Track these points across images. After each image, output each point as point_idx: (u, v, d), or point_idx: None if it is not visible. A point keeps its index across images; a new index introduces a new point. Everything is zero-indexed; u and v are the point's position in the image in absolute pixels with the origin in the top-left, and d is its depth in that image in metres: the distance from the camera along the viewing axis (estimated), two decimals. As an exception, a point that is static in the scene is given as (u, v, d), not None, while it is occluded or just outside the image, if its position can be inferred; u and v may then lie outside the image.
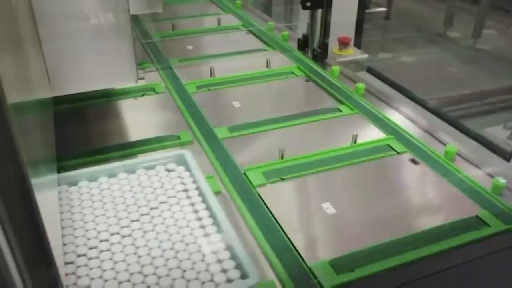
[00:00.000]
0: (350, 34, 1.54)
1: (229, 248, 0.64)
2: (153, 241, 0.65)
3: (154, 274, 0.61)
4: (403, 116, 1.08)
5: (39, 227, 0.46)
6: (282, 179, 0.86)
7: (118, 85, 1.08)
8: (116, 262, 0.62)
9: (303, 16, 1.40)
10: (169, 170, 0.79)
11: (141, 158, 0.88)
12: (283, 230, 0.74)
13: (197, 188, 0.75)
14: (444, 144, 0.96)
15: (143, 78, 1.02)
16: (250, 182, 0.84)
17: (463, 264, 0.70)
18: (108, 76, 0.93)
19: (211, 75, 1.25)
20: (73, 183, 0.76)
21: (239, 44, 1.49)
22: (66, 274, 0.60)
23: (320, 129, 1.03)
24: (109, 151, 0.93)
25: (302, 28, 1.47)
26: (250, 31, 1.59)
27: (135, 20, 1.63)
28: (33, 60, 0.75)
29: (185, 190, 0.75)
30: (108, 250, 0.64)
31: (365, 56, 1.47)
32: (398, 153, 0.93)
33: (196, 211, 0.70)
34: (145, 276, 0.61)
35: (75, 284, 0.60)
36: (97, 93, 1.13)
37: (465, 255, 0.71)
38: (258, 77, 1.26)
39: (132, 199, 0.72)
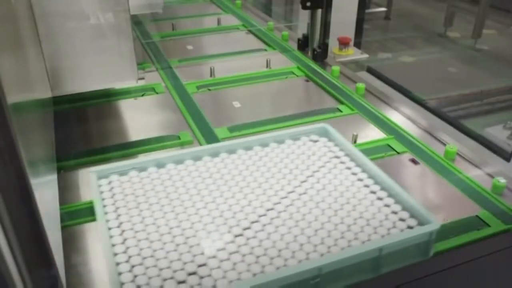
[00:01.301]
0: (350, 34, 1.54)
1: (399, 201, 0.71)
2: (321, 203, 0.72)
3: (333, 229, 0.67)
4: (403, 116, 1.08)
5: (39, 227, 0.46)
6: None
7: (118, 85, 1.08)
8: (297, 221, 0.69)
9: (303, 16, 1.40)
10: (313, 141, 0.87)
11: (283, 131, 0.92)
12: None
13: (347, 155, 0.83)
14: (444, 144, 0.96)
15: (143, 78, 1.02)
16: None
17: (463, 264, 0.70)
18: (108, 76, 0.93)
19: (211, 75, 1.25)
20: (232, 151, 0.85)
21: (239, 44, 1.49)
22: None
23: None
24: (109, 151, 0.93)
25: (302, 28, 1.47)
26: (250, 31, 1.59)
27: (135, 20, 1.63)
28: (33, 60, 0.75)
29: (336, 157, 0.83)
30: (283, 211, 0.71)
31: (365, 56, 1.47)
32: (398, 153, 0.93)
33: (354, 174, 0.78)
34: (324, 236, 0.66)
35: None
36: (97, 93, 1.13)
37: (465, 255, 0.71)
38: (258, 77, 1.26)
39: (288, 167, 0.80)
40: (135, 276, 0.60)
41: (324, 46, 1.34)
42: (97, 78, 0.92)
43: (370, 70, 1.43)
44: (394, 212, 0.70)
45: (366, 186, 0.76)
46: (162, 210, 0.71)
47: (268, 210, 0.71)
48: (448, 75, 2.16)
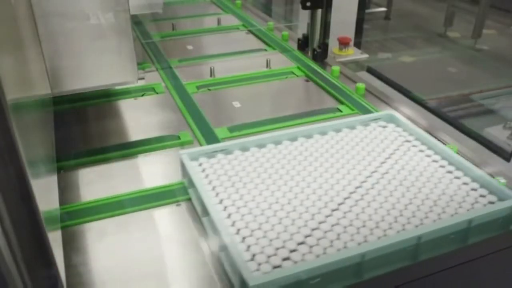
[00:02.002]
0: (350, 34, 1.54)
1: (475, 179, 0.77)
2: (404, 181, 0.77)
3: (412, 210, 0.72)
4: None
5: (39, 227, 0.46)
6: None
7: (119, 85, 1.08)
8: (386, 197, 0.75)
9: (303, 16, 1.40)
10: (382, 127, 0.93)
11: (353, 117, 0.98)
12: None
13: (417, 139, 0.88)
14: (444, 144, 0.96)
15: (143, 78, 1.02)
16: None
17: (463, 264, 0.70)
18: (108, 76, 0.93)
19: (211, 75, 1.25)
20: (309, 136, 0.91)
21: (239, 44, 1.49)
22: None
23: (320, 129, 1.03)
24: (109, 151, 0.93)
25: (302, 28, 1.47)
26: (250, 31, 1.59)
27: (135, 20, 1.63)
28: (33, 60, 0.75)
29: (407, 141, 0.89)
30: (361, 196, 0.75)
31: (365, 56, 1.47)
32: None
33: (428, 156, 0.84)
34: (414, 210, 0.72)
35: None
36: (97, 93, 1.13)
37: (465, 255, 0.71)
38: (258, 77, 1.26)
39: (365, 150, 0.86)
40: (248, 246, 0.65)
41: (324, 46, 1.34)
42: (97, 78, 0.92)
43: (370, 70, 1.42)
44: (474, 189, 0.76)
45: (442, 166, 0.82)
46: (257, 188, 0.76)
47: (356, 187, 0.77)
48: (448, 75, 2.16)
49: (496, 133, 1.08)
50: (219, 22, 1.63)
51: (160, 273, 0.67)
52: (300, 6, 1.30)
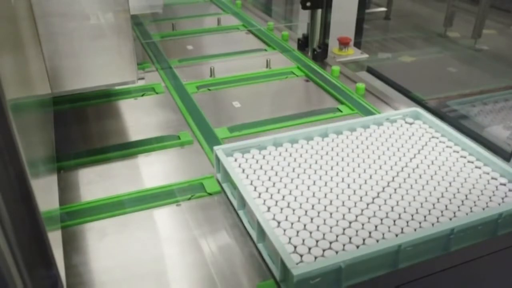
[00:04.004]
0: (350, 34, 1.54)
1: (504, 175, 0.80)
2: (435, 176, 0.80)
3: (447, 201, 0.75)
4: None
5: (39, 227, 0.46)
6: None
7: (118, 85, 1.08)
8: (418, 191, 0.77)
9: (303, 16, 1.40)
10: (409, 123, 0.96)
11: (378, 115, 1.00)
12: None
13: (444, 135, 0.92)
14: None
15: (143, 78, 1.02)
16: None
17: (463, 264, 0.70)
18: (108, 76, 0.93)
19: (211, 75, 1.25)
20: (338, 132, 0.93)
21: (239, 44, 1.49)
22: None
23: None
24: (109, 151, 0.93)
25: (302, 28, 1.47)
26: (250, 31, 1.59)
27: (135, 20, 1.63)
28: (33, 60, 0.75)
29: (434, 137, 0.91)
30: (395, 190, 0.78)
31: (365, 56, 1.47)
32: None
33: (456, 152, 0.87)
34: (447, 203, 0.74)
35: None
36: (97, 93, 1.13)
37: (465, 255, 0.71)
38: (258, 77, 1.26)
39: (395, 146, 0.89)
40: (290, 238, 0.67)
41: (324, 46, 1.34)
42: (97, 78, 0.92)
43: (370, 70, 1.42)
44: (503, 184, 0.78)
45: (470, 162, 0.84)
46: (293, 183, 0.79)
47: (389, 182, 0.79)
48: (448, 75, 2.16)
49: (496, 133, 1.08)
50: (219, 22, 1.63)
51: (160, 273, 0.68)
52: (300, 6, 1.30)
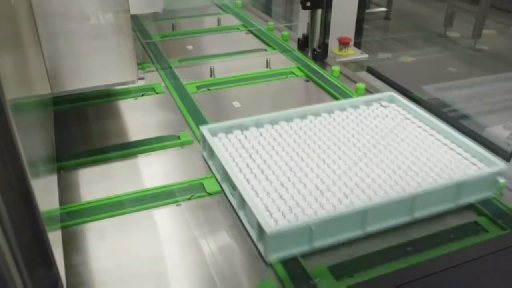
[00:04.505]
0: (350, 34, 1.54)
1: (468, 151, 0.86)
2: (404, 151, 0.87)
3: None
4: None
5: (39, 227, 0.46)
6: None
7: (118, 85, 1.08)
8: (391, 160, 0.84)
9: (303, 16, 1.40)
10: (384, 106, 1.02)
11: (356, 99, 1.07)
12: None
13: (416, 117, 0.98)
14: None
15: (143, 78, 1.02)
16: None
17: (463, 264, 0.70)
18: (108, 76, 0.93)
19: (211, 75, 1.25)
20: (317, 114, 1.00)
21: (239, 44, 1.49)
22: None
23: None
24: (109, 151, 0.93)
25: (302, 28, 1.47)
26: (250, 31, 1.59)
27: (135, 20, 1.63)
28: (33, 60, 0.75)
29: (407, 118, 0.98)
30: (366, 164, 0.84)
31: (365, 56, 1.47)
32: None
33: (425, 131, 0.93)
34: (413, 176, 0.80)
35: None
36: (97, 93, 1.13)
37: (465, 255, 0.71)
38: (258, 77, 1.26)
39: (369, 126, 0.95)
40: (267, 206, 0.73)
41: (324, 46, 1.34)
42: (97, 78, 0.92)
43: (370, 70, 1.42)
44: (466, 158, 0.85)
45: (438, 140, 0.91)
46: (272, 159, 0.84)
47: (361, 157, 0.85)
48: (448, 75, 2.16)
49: (496, 133, 1.08)
50: (219, 22, 1.63)
51: (160, 273, 0.68)
52: (300, 6, 1.30)
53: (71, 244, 0.71)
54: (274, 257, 0.68)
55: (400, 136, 0.92)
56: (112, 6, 0.87)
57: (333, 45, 1.39)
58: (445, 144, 0.89)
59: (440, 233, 0.74)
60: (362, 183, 0.78)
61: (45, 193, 0.59)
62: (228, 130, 0.93)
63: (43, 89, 0.82)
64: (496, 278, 0.69)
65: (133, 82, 0.95)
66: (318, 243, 0.70)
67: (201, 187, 0.84)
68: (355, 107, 1.03)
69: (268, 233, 0.66)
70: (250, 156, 0.85)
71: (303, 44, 1.41)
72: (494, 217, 0.76)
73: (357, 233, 0.72)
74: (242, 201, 0.74)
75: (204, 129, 0.90)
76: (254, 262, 0.69)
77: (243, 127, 0.94)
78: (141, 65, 1.30)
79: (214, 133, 0.91)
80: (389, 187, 0.77)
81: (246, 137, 0.91)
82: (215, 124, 0.93)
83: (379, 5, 2.88)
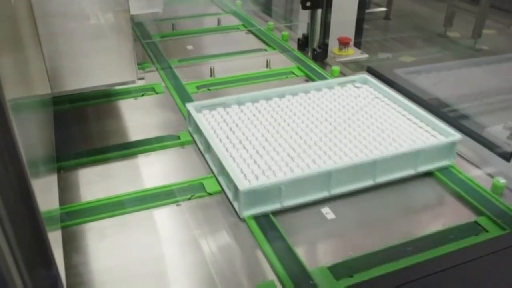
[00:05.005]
0: (350, 34, 1.54)
1: (429, 125, 0.94)
2: (371, 125, 0.95)
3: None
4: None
5: (39, 227, 0.46)
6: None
7: (118, 85, 1.08)
8: (358, 133, 0.93)
9: (303, 16, 1.40)
10: (357, 87, 1.11)
11: (332, 79, 1.17)
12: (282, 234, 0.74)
13: (386, 97, 1.06)
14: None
15: (143, 78, 1.02)
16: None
17: (463, 264, 0.70)
18: (108, 76, 0.93)
19: (211, 75, 1.25)
20: (295, 94, 1.08)
21: (239, 44, 1.49)
22: None
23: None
24: (109, 151, 0.93)
25: (302, 28, 1.47)
26: (250, 31, 1.59)
27: (135, 20, 1.63)
28: (33, 60, 0.75)
29: (377, 98, 1.07)
30: (335, 136, 0.93)
31: (365, 56, 1.47)
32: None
33: (393, 108, 1.02)
34: (377, 145, 0.89)
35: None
36: (97, 93, 1.13)
37: (465, 255, 0.71)
38: (258, 77, 1.26)
39: (342, 104, 1.04)
40: (242, 169, 0.81)
41: (324, 46, 1.34)
42: (97, 78, 0.92)
43: (370, 70, 1.42)
44: (427, 131, 0.93)
45: (403, 115, 0.99)
46: (250, 131, 0.92)
47: (331, 130, 0.94)
48: (448, 75, 2.16)
49: (496, 133, 1.08)
50: (219, 22, 1.63)
51: (160, 273, 0.68)
52: (300, 6, 1.30)
53: (71, 244, 0.71)
54: (247, 213, 0.76)
55: (369, 112, 1.00)
56: (112, 6, 0.87)
57: (333, 45, 1.39)
58: (409, 119, 0.97)
59: (440, 233, 0.74)
60: (330, 151, 0.86)
61: (45, 193, 0.59)
62: (212, 107, 1.01)
63: (43, 89, 0.82)
64: (496, 278, 0.69)
65: (133, 82, 0.95)
66: (288, 202, 0.78)
67: (201, 187, 0.84)
68: (330, 87, 1.11)
69: (241, 191, 0.74)
70: (231, 129, 0.93)
71: (303, 44, 1.41)
72: (494, 217, 0.76)
73: (323, 194, 0.80)
74: (222, 167, 0.81)
75: (190, 106, 0.98)
76: (254, 262, 0.69)
77: (225, 105, 1.02)
78: (141, 65, 1.30)
79: (199, 110, 0.99)
80: (354, 155, 0.85)
81: (228, 113, 0.99)
82: (200, 102, 1.01)
83: (379, 5, 2.88)
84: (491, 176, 0.87)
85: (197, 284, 0.67)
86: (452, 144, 0.88)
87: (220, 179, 0.84)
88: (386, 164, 0.83)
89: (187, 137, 0.97)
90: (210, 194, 0.82)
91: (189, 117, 0.98)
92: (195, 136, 0.96)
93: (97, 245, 0.72)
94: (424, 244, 0.72)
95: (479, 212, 0.78)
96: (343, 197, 0.82)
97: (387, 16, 2.86)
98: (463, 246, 0.71)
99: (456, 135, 0.88)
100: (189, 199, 0.81)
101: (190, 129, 0.99)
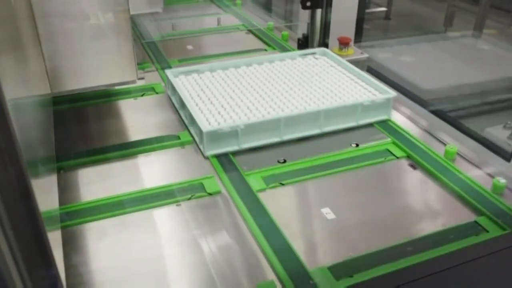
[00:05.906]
0: (350, 34, 1.54)
1: (372, 86, 1.10)
2: (325, 88, 1.10)
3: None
4: (403, 116, 1.08)
5: (39, 227, 0.46)
6: (282, 184, 0.85)
7: (118, 85, 1.08)
8: (311, 98, 1.08)
9: (303, 16, 1.40)
10: (316, 58, 1.26)
11: (294, 52, 1.35)
12: (283, 234, 0.74)
13: (340, 65, 1.22)
14: (444, 144, 0.96)
15: (143, 78, 1.02)
16: (250, 187, 0.84)
17: (463, 264, 0.70)
18: (108, 76, 0.93)
19: (211, 75, 1.25)
20: (260, 63, 1.25)
21: (239, 44, 1.49)
22: None
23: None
24: (109, 151, 0.93)
25: (302, 28, 1.47)
26: (250, 31, 1.59)
27: (135, 20, 1.63)
28: (33, 60, 0.75)
29: (332, 66, 1.22)
30: (290, 95, 1.08)
31: (365, 56, 1.47)
32: (397, 157, 0.93)
33: (344, 74, 1.18)
34: (323, 100, 1.05)
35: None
36: (97, 93, 1.13)
37: (465, 255, 0.71)
38: (258, 77, 1.26)
39: (301, 72, 1.19)
40: (208, 119, 0.95)
41: (324, 46, 1.34)
42: (97, 78, 0.92)
43: (370, 70, 1.42)
44: (370, 91, 1.08)
45: (352, 79, 1.15)
46: (219, 93, 1.07)
47: (288, 91, 1.08)
48: (448, 75, 2.16)
49: (496, 133, 1.08)
50: (219, 22, 1.63)
51: (160, 273, 0.68)
52: (300, 6, 1.29)
53: (71, 244, 0.71)
54: (210, 152, 0.91)
55: (323, 77, 1.16)
56: (112, 6, 0.87)
57: (333, 45, 1.39)
58: (356, 83, 1.13)
59: (440, 233, 0.74)
60: (284, 105, 1.01)
61: (45, 193, 0.59)
62: (187, 73, 1.16)
63: (43, 89, 0.82)
64: (496, 278, 0.69)
65: (133, 82, 0.95)
66: (245, 145, 0.93)
67: (201, 187, 0.84)
68: (293, 58, 1.26)
69: (204, 132, 0.88)
70: (202, 89, 1.08)
71: (303, 44, 1.41)
72: (494, 217, 0.76)
73: (275, 139, 0.95)
74: (192, 119, 0.95)
75: (168, 72, 1.13)
76: (254, 262, 0.69)
77: (199, 71, 1.17)
78: (141, 65, 1.30)
79: (176, 75, 1.14)
80: (304, 108, 0.99)
81: (201, 78, 1.14)
82: (177, 68, 1.17)
83: (379, 5, 2.88)
84: (491, 176, 0.87)
85: (197, 284, 0.67)
86: (388, 100, 1.04)
87: (191, 129, 0.98)
88: (330, 114, 0.99)
89: (187, 137, 0.97)
90: (210, 194, 0.82)
91: (168, 82, 1.12)
92: (173, 98, 1.11)
93: (97, 245, 0.72)
94: (424, 244, 0.72)
95: (479, 212, 0.78)
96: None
97: (387, 16, 2.86)
98: (463, 246, 0.71)
99: (391, 93, 1.04)
100: (189, 199, 0.81)
101: (168, 92, 1.14)
